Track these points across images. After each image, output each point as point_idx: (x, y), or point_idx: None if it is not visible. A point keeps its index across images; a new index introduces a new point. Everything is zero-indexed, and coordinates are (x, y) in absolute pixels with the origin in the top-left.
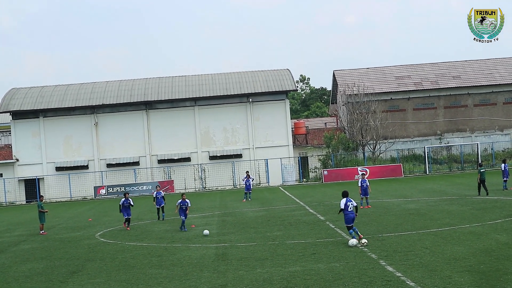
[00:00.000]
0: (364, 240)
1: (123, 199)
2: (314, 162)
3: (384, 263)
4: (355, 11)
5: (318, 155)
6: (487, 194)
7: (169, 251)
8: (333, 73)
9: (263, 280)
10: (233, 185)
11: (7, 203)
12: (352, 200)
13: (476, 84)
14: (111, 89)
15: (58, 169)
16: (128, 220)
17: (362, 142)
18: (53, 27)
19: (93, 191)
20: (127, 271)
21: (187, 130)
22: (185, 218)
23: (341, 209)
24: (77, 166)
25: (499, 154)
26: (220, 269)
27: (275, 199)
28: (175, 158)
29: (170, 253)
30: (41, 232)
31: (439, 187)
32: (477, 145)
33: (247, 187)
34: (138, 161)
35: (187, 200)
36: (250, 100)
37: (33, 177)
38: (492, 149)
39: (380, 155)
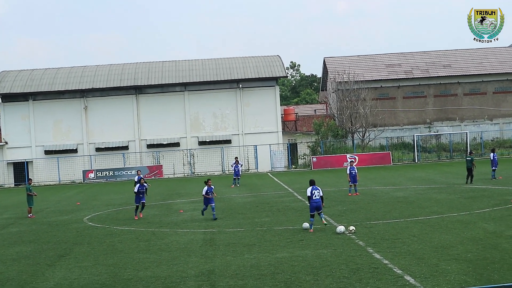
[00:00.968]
0: (352, 227)
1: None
2: (303, 149)
3: (371, 251)
4: None
5: (307, 142)
6: (467, 182)
7: (157, 236)
8: (324, 60)
9: (250, 265)
10: (222, 170)
11: None
12: (319, 188)
13: (466, 73)
14: (101, 73)
15: (47, 152)
16: (143, 206)
17: (352, 130)
18: (44, 11)
19: (81, 175)
20: (115, 255)
21: (176, 115)
22: (213, 203)
23: (308, 197)
24: (66, 149)
25: (488, 143)
26: (207, 254)
27: (263, 185)
28: (164, 143)
29: (158, 238)
30: (29, 215)
31: (428, 176)
32: (466, 134)
33: (236, 173)
34: (127, 146)
35: (212, 186)
36: (240, 86)
37: (22, 160)
38: (481, 138)
39: (369, 142)
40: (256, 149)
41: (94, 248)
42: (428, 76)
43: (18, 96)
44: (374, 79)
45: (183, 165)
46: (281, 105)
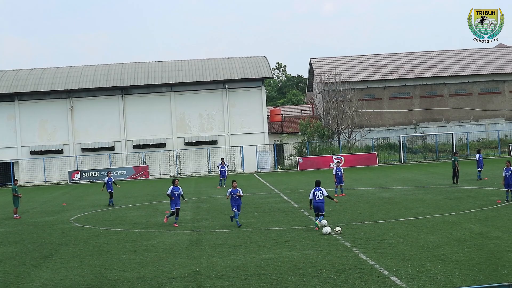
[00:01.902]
0: (338, 228)
1: (172, 186)
2: (289, 150)
3: (357, 251)
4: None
5: (293, 143)
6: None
7: (143, 236)
8: (310, 61)
9: (236, 266)
10: (208, 171)
11: None
12: (321, 189)
13: (452, 74)
14: (87, 73)
15: (33, 153)
16: (177, 212)
17: (338, 130)
18: (29, 11)
19: (67, 175)
20: (101, 256)
21: (162, 116)
22: (238, 210)
23: (310, 200)
24: (52, 150)
25: (473, 144)
26: (193, 255)
27: (249, 186)
28: (150, 143)
29: (144, 239)
30: (14, 216)
31: (414, 176)
32: (452, 135)
33: (222, 174)
34: (113, 146)
35: (238, 188)
36: (226, 86)
37: (8, 161)
38: (467, 139)
39: (355, 143)
40: (242, 149)
41: (80, 249)
42: (414, 77)
43: (4, 96)
44: (360, 80)
45: (169, 165)
46: (267, 105)
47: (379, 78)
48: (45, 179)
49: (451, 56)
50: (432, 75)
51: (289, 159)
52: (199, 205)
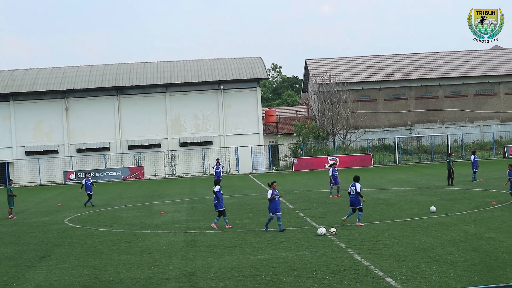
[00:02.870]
0: (333, 229)
1: (217, 187)
2: (284, 151)
3: (352, 252)
4: (330, 1)
5: (288, 144)
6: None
7: (138, 237)
8: (305, 62)
9: (231, 267)
10: (203, 172)
11: None
12: (356, 184)
13: (448, 76)
14: (83, 74)
15: (28, 153)
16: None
17: (333, 132)
18: (25, 11)
19: (62, 176)
20: (96, 257)
21: (158, 117)
22: (279, 213)
23: (348, 193)
24: (47, 150)
25: (468, 145)
26: (188, 256)
27: (245, 187)
28: (146, 144)
29: (139, 239)
30: (9, 216)
31: (409, 178)
32: (447, 136)
33: (217, 174)
34: (108, 147)
35: (276, 190)
36: (222, 87)
37: (3, 161)
38: (462, 140)
39: (351, 144)
40: (237, 150)
41: (75, 249)
42: (409, 78)
43: None
44: (355, 81)
45: (164, 166)
46: (262, 106)
47: (374, 80)
48: (40, 180)
49: (446, 57)
50: (427, 77)
51: (284, 160)
52: (194, 206)
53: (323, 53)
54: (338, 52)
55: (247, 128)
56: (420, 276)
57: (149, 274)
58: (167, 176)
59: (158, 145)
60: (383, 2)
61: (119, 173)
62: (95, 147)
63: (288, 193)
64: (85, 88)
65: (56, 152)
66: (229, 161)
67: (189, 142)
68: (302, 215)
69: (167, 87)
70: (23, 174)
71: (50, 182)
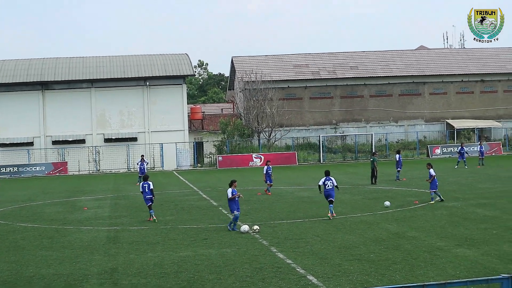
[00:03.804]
0: (256, 227)
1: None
2: (209, 148)
3: (275, 250)
4: None
5: (213, 141)
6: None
7: (60, 233)
8: (231, 59)
9: (153, 264)
10: (128, 168)
11: None
12: (332, 179)
13: (373, 75)
14: (7, 68)
15: None
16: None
17: (258, 129)
18: None
19: None
20: (17, 252)
21: (83, 112)
22: (238, 212)
23: (319, 186)
24: None
25: (393, 145)
26: (111, 252)
27: (169, 184)
28: (70, 139)
29: (61, 235)
30: None
31: (333, 176)
32: (372, 136)
33: (142, 171)
34: (32, 142)
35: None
36: (147, 83)
37: None
38: (386, 140)
39: (275, 142)
40: (162, 147)
41: None
42: (335, 77)
43: None
44: (281, 79)
45: (88, 162)
46: (188, 103)
47: (300, 78)
48: None
49: (372, 57)
50: (353, 76)
51: (209, 157)
52: (118, 202)
53: (250, 51)
54: (265, 50)
55: (172, 124)
56: (341, 274)
57: (71, 270)
58: (91, 172)
59: (82, 141)
60: (309, 0)
61: (43, 168)
62: (18, 142)
63: (212, 190)
64: (9, 82)
65: None
66: (153, 158)
67: (114, 138)
68: (226, 212)
69: (92, 83)
70: None
71: None
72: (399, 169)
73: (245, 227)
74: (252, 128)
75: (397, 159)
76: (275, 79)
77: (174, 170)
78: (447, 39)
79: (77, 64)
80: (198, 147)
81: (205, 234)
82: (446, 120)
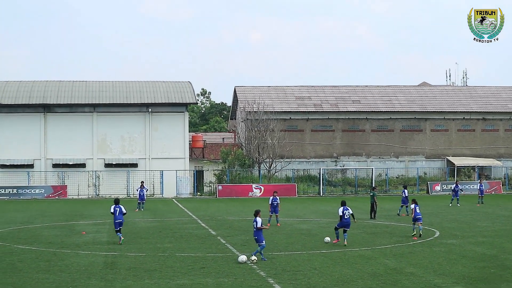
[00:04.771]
0: (254, 257)
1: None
2: (209, 177)
3: (272, 281)
4: (261, 29)
5: (213, 170)
6: (371, 217)
7: (58, 256)
8: (234, 89)
9: None
10: (127, 194)
11: None
12: (349, 208)
13: (375, 110)
14: (10, 89)
15: None
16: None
17: (259, 160)
18: None
19: None
20: (14, 275)
21: (84, 136)
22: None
23: (340, 216)
24: None
25: (393, 180)
26: (108, 278)
27: (168, 211)
28: (70, 163)
29: (59, 259)
30: None
31: (332, 209)
32: (372, 170)
33: (141, 197)
34: (33, 164)
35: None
36: (150, 110)
37: None
38: (386, 175)
39: (276, 173)
40: (162, 174)
41: None
42: (337, 110)
43: None
44: (283, 110)
45: (88, 186)
46: (189, 131)
47: (302, 110)
48: None
49: (374, 91)
50: (355, 110)
51: (209, 186)
52: None
53: (252, 81)
54: (267, 81)
55: (173, 152)
56: None
57: None
58: (90, 196)
59: (83, 165)
60: (313, 33)
61: (42, 191)
62: (19, 163)
63: (210, 219)
64: (11, 103)
65: None
66: (153, 185)
67: (114, 163)
68: (224, 241)
69: (94, 107)
70: None
71: None
72: (404, 205)
73: (243, 257)
74: (253, 158)
75: (405, 195)
76: (277, 110)
77: (173, 198)
78: (449, 76)
79: (80, 88)
80: (198, 176)
81: (202, 263)
82: (447, 157)
